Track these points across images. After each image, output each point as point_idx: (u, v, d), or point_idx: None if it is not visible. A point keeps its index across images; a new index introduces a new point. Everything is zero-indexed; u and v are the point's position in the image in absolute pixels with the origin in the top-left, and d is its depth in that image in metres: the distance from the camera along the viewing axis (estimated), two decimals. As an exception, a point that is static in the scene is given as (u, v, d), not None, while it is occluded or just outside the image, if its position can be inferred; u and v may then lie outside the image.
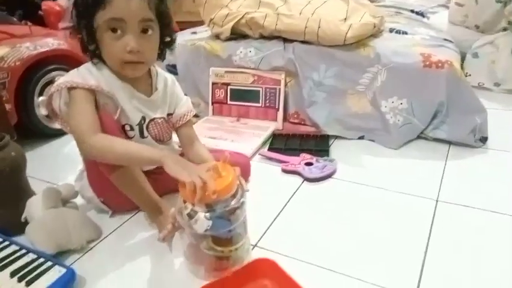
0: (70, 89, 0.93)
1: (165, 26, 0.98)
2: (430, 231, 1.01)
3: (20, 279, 0.84)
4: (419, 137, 1.50)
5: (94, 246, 1.02)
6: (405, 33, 1.73)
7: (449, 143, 1.45)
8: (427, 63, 1.42)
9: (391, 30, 1.75)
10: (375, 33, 1.62)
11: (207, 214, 0.80)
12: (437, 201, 1.13)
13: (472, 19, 2.07)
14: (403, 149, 1.45)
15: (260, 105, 1.70)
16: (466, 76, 1.61)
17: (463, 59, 1.88)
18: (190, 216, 0.81)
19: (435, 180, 1.24)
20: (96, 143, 0.88)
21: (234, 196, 0.84)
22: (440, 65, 1.41)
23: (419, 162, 1.36)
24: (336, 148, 1.48)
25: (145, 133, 1.04)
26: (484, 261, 0.91)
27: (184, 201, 0.83)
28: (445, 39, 1.74)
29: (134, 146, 0.94)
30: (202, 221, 0.80)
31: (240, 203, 0.84)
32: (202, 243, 0.85)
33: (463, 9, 2.08)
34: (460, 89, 1.42)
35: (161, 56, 1.04)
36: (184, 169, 0.81)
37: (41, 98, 1.62)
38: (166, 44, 1.03)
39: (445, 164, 1.33)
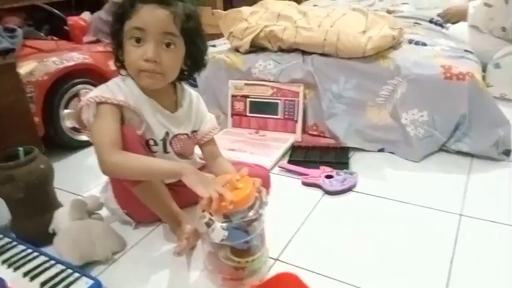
0: (99, 103, 0.96)
1: (192, 45, 0.99)
2: (454, 247, 1.00)
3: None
4: (440, 150, 1.48)
5: (119, 257, 1.04)
6: (425, 44, 1.72)
7: (472, 156, 1.43)
8: (448, 75, 1.42)
9: (410, 42, 1.74)
10: (395, 45, 1.62)
11: (224, 224, 0.82)
12: (460, 215, 1.12)
13: (498, 21, 2.02)
14: (424, 162, 1.44)
15: (279, 117, 1.71)
16: (488, 87, 1.59)
17: (484, 70, 1.85)
18: (208, 225, 0.83)
19: (458, 194, 1.22)
20: (115, 161, 0.90)
21: (251, 208, 0.85)
22: (461, 77, 1.40)
23: (441, 176, 1.34)
24: (356, 160, 1.48)
25: (168, 148, 1.07)
26: (511, 278, 0.89)
27: (203, 210, 0.85)
28: (466, 50, 1.73)
29: (153, 161, 0.97)
30: (219, 231, 0.82)
31: (257, 214, 0.85)
32: (220, 253, 0.87)
33: (491, 10, 2.02)
34: (482, 101, 1.40)
35: (187, 77, 1.07)
36: (202, 182, 0.84)
37: (66, 111, 1.67)
38: (193, 65, 1.04)
39: (468, 178, 1.31)
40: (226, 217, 0.83)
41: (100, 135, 0.94)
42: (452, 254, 0.97)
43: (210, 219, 0.83)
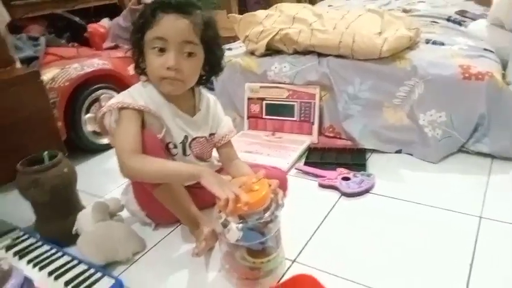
0: (121, 109, 0.99)
1: (210, 52, 1.03)
2: (474, 249, 0.99)
3: (74, 288, 0.89)
4: (459, 151, 1.46)
5: (139, 258, 1.06)
6: (442, 43, 1.70)
7: (492, 157, 1.41)
8: (466, 75, 1.40)
9: (427, 41, 1.72)
10: (411, 45, 1.61)
11: (239, 225, 0.84)
12: (480, 217, 1.11)
13: None
14: (443, 163, 1.43)
15: (295, 119, 1.72)
16: (509, 85, 1.55)
17: (504, 67, 1.82)
18: (224, 225, 0.85)
19: (478, 196, 1.20)
20: (134, 164, 0.93)
21: (267, 209, 0.87)
22: (480, 76, 1.38)
23: (460, 177, 1.33)
24: (373, 162, 1.47)
25: (188, 151, 1.09)
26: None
27: (220, 211, 0.87)
28: (485, 49, 1.70)
29: (172, 164, 0.99)
30: (234, 232, 0.84)
31: (273, 216, 0.87)
32: (236, 253, 0.90)
33: None
34: (502, 101, 1.38)
35: (205, 81, 1.10)
36: (218, 183, 0.86)
37: (87, 116, 1.72)
38: (211, 70, 1.08)
39: (488, 179, 1.29)
40: (242, 218, 0.85)
41: (121, 139, 0.97)
42: (471, 257, 0.96)
43: (226, 220, 0.85)
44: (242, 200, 0.81)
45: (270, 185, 0.90)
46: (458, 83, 1.40)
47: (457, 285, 0.88)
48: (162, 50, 0.96)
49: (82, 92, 1.69)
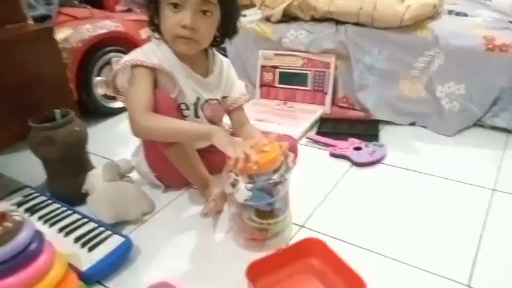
0: (134, 66, 0.98)
1: (227, 14, 1.00)
2: (485, 221, 0.97)
3: (83, 245, 0.91)
4: (475, 125, 1.43)
5: (148, 218, 1.07)
6: (466, 15, 1.63)
7: (508, 131, 1.37)
8: (490, 46, 1.34)
9: (450, 12, 1.66)
10: (434, 14, 1.55)
11: (248, 185, 0.84)
12: (493, 190, 1.09)
13: None
14: (458, 137, 1.40)
15: (308, 88, 1.69)
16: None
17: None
18: (233, 185, 0.85)
19: (492, 170, 1.18)
20: (146, 122, 0.91)
21: (276, 171, 0.86)
22: (504, 48, 1.33)
23: (475, 151, 1.30)
24: (386, 134, 1.45)
25: (199, 113, 1.08)
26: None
27: (230, 171, 0.86)
28: (510, 22, 1.63)
29: (184, 123, 0.98)
30: (243, 191, 0.84)
31: (282, 178, 0.86)
32: (244, 213, 0.90)
33: None
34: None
35: (219, 43, 1.07)
36: (230, 142, 0.85)
37: (98, 78, 1.71)
38: (225, 32, 1.05)
39: (503, 153, 1.26)
40: (251, 178, 0.85)
41: (133, 98, 0.95)
42: (482, 228, 0.95)
43: (235, 179, 0.85)
44: (252, 160, 0.80)
45: (280, 147, 0.89)
46: (480, 55, 1.35)
47: (465, 255, 0.87)
48: (178, 7, 0.93)
49: (94, 53, 1.67)
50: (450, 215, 1.01)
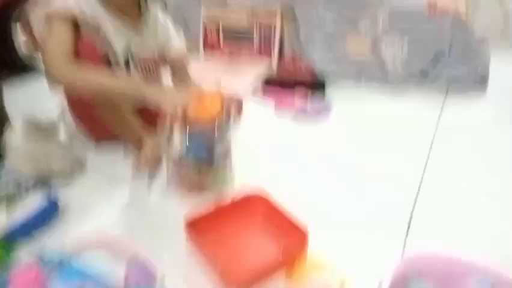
0: (49, 15, 0.85)
1: None
2: (429, 152, 1.06)
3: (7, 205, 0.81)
4: (419, 82, 1.46)
5: (78, 177, 0.97)
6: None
7: (447, 92, 1.42)
8: (432, 8, 1.36)
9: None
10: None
11: (184, 138, 0.80)
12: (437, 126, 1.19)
13: None
14: (401, 94, 1.43)
15: (254, 46, 1.63)
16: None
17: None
18: (169, 138, 0.81)
19: (435, 112, 1.28)
20: (67, 72, 0.81)
21: (215, 124, 0.82)
22: (445, 10, 1.35)
23: (419, 101, 1.37)
24: (333, 91, 1.44)
25: (132, 69, 0.98)
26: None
27: (166, 123, 0.81)
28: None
29: (111, 77, 0.87)
30: (178, 144, 0.81)
31: (220, 133, 0.83)
32: (181, 167, 0.86)
33: None
34: (464, 33, 1.37)
35: None
36: (165, 92, 0.80)
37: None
38: None
39: (443, 105, 1.34)
40: (189, 130, 0.80)
41: (52, 44, 0.83)
42: (426, 159, 1.02)
43: (172, 133, 0.80)
44: (190, 112, 0.75)
45: (221, 101, 0.83)
46: (423, 16, 1.38)
47: (410, 187, 0.91)
48: None
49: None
50: (395, 152, 1.06)
